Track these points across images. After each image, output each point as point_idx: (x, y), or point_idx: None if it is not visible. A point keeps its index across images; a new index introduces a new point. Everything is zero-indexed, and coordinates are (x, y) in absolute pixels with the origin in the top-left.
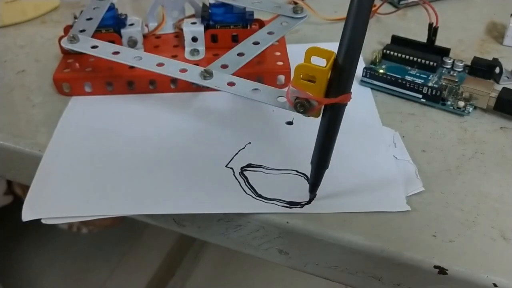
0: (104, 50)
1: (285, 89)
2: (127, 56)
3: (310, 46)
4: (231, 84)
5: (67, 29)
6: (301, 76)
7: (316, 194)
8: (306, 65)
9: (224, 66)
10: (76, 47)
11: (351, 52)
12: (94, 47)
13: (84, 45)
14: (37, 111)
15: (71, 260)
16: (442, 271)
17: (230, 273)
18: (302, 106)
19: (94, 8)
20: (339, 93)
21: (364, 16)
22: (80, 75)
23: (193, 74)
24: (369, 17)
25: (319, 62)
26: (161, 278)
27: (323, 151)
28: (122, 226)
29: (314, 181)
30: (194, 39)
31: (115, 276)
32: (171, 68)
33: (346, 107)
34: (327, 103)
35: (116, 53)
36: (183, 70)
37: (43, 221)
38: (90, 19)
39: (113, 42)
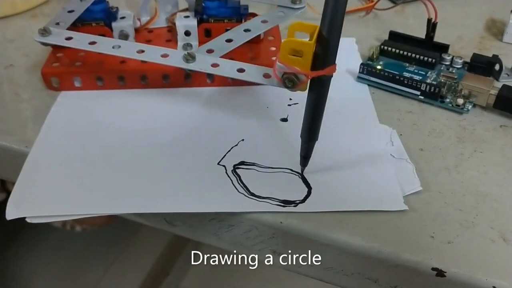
0: (80, 41)
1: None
2: (105, 46)
3: None
4: (215, 65)
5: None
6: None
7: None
8: (293, 40)
9: (210, 51)
10: (48, 40)
11: (334, 24)
12: (68, 38)
13: (57, 37)
14: (25, 107)
15: (66, 259)
16: (440, 273)
17: (225, 273)
18: (291, 81)
19: (81, 0)
20: (325, 65)
21: None
22: (69, 69)
23: (175, 59)
24: None
25: (302, 37)
26: (155, 277)
27: (312, 123)
28: (116, 225)
29: (305, 154)
30: (187, 33)
31: (109, 275)
32: (152, 54)
33: (343, 104)
34: (314, 76)
35: (93, 43)
36: (165, 55)
37: (28, 220)
38: (71, 11)
39: (103, 35)
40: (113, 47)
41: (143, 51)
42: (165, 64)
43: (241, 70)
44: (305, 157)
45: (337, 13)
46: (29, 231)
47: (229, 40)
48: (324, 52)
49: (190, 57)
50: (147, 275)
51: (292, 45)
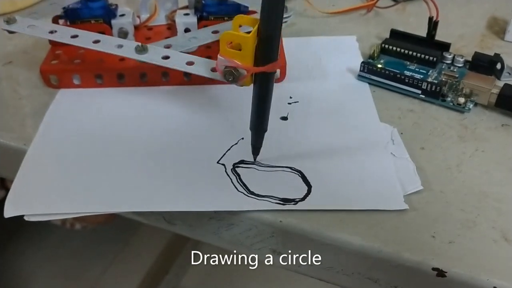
0: (40, 29)
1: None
2: (63, 35)
3: (305, 39)
4: (165, 57)
5: (55, 19)
6: (228, 44)
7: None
8: (230, 33)
9: (167, 47)
10: (12, 28)
11: (271, 19)
12: (30, 26)
13: (21, 26)
14: (24, 104)
15: (65, 257)
16: (441, 273)
17: (225, 273)
18: (231, 74)
19: None
20: (267, 61)
21: None
22: (68, 67)
23: (128, 49)
24: None
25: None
26: (155, 276)
27: (258, 116)
28: (116, 224)
29: (255, 144)
30: (187, 31)
31: (109, 274)
32: (106, 44)
33: (343, 102)
34: (255, 72)
35: (52, 32)
36: (119, 46)
37: (26, 218)
38: (53, 3)
39: (103, 33)
40: (70, 36)
41: (98, 41)
42: (118, 54)
43: (190, 63)
44: (255, 147)
45: (274, 8)
46: (28, 229)
47: (193, 38)
48: (264, 48)
49: (142, 49)
50: (146, 274)
51: (229, 38)
